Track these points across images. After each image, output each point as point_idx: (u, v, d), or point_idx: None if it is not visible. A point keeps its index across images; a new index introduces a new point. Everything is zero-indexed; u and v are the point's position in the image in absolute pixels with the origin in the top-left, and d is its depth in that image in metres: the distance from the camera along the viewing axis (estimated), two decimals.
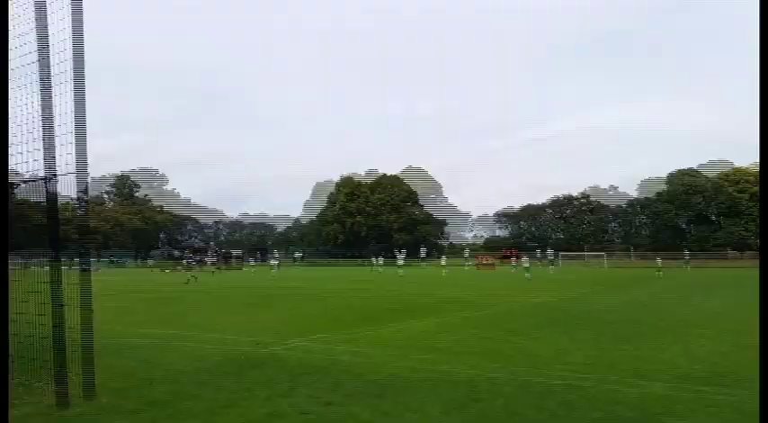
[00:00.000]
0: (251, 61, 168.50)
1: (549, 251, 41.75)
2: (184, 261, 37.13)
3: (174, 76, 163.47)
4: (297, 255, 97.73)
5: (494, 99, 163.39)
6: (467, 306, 15.53)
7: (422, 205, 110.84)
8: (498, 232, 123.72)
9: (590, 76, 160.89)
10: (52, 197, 5.53)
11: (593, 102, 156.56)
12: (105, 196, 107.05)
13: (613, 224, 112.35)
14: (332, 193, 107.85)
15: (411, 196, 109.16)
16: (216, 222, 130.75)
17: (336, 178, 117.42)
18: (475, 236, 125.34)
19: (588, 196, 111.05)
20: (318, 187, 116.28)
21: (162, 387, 6.20)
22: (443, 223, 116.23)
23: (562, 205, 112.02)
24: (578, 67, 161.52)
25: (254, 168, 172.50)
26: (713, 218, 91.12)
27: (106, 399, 5.55)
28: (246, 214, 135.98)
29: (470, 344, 9.00)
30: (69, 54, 5.48)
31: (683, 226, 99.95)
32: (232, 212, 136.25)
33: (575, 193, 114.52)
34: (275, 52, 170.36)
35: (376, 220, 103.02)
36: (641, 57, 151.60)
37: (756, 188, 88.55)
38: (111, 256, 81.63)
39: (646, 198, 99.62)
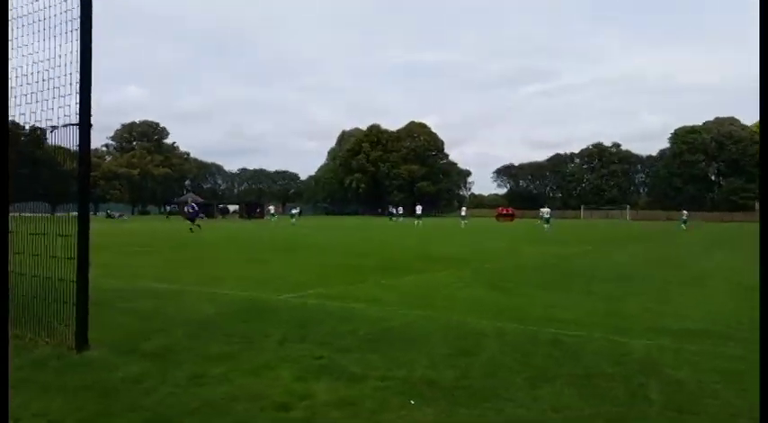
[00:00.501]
0: (253, 11, 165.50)
1: (545, 209, 41.64)
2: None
3: (177, 23, 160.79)
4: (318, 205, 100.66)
5: (502, 52, 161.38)
6: (473, 260, 15.78)
7: (447, 154, 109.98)
8: (497, 189, 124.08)
9: (598, 29, 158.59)
10: (85, 144, 5.50)
11: (601, 55, 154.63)
12: (104, 149, 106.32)
13: (641, 175, 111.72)
14: (356, 143, 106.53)
15: (437, 144, 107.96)
16: (240, 170, 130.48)
17: (339, 132, 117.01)
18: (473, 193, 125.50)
19: (619, 145, 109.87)
20: (346, 135, 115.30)
21: (180, 331, 6.48)
22: (467, 173, 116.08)
23: (591, 155, 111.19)
24: (586, 19, 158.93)
25: (256, 122, 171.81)
26: (748, 169, 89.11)
27: (123, 343, 5.87)
28: (245, 169, 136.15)
29: (480, 298, 9.22)
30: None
31: (713, 177, 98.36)
32: (231, 166, 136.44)
33: (576, 150, 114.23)
34: (279, 4, 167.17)
35: (400, 168, 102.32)
36: (655, 9, 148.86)
37: None
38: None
39: (674, 148, 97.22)
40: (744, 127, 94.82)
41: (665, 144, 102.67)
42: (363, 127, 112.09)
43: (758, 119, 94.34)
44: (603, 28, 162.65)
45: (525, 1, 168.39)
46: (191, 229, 31.11)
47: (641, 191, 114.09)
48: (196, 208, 36.51)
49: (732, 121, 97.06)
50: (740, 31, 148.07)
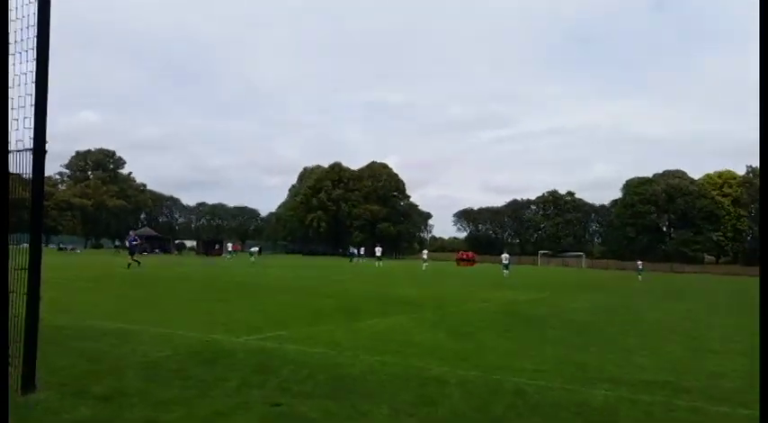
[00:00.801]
0: (219, 44, 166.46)
1: (505, 255, 42.20)
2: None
3: (138, 50, 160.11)
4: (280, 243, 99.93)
5: (462, 97, 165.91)
6: (434, 304, 15.77)
7: (408, 195, 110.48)
8: (457, 233, 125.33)
9: (554, 81, 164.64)
10: (39, 171, 5.32)
11: (557, 106, 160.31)
12: (57, 176, 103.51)
13: (595, 224, 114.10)
14: (317, 180, 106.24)
15: (399, 186, 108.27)
16: (198, 205, 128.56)
17: (301, 170, 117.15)
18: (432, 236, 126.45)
19: (573, 193, 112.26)
20: (307, 172, 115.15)
21: (132, 373, 6.25)
22: (428, 216, 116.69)
23: (547, 202, 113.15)
24: (543, 71, 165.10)
25: (216, 155, 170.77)
26: (696, 222, 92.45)
27: (72, 384, 5.64)
28: (203, 203, 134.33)
29: (441, 343, 9.18)
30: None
31: (664, 228, 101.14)
32: (189, 200, 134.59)
33: (533, 197, 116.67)
34: (244, 35, 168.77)
35: (361, 208, 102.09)
36: (606, 64, 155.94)
37: (738, 193, 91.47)
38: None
39: (626, 199, 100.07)
40: (692, 181, 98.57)
41: (618, 193, 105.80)
42: (325, 164, 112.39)
43: (707, 171, 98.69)
44: (559, 80, 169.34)
45: (487, 52, 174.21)
46: (129, 264, 29.22)
47: (596, 239, 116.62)
48: (137, 241, 34.71)
49: (680, 174, 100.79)
50: (686, 87, 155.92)
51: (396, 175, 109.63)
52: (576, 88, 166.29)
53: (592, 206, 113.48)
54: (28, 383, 5.25)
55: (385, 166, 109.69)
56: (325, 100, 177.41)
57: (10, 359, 5.28)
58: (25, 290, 5.23)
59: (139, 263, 30.04)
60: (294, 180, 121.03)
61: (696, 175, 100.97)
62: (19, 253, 5.27)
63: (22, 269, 5.24)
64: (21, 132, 5.28)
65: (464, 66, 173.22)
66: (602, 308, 17.74)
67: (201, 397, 5.45)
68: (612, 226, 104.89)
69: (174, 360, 7.09)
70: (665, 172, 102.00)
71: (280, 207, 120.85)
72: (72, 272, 24.73)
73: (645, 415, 5.46)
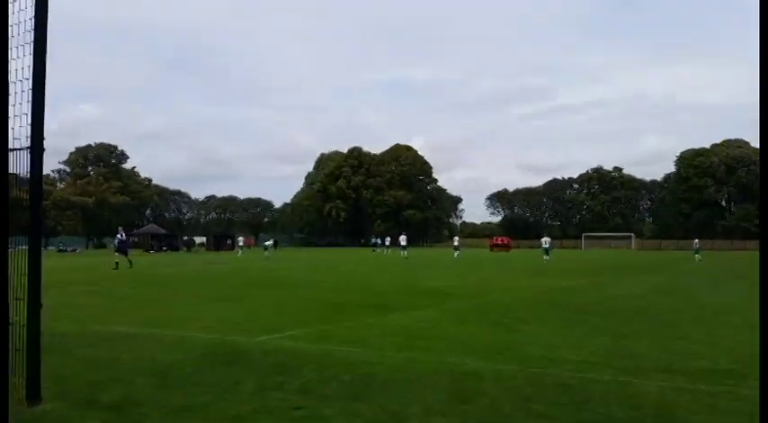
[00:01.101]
0: (225, 25, 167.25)
1: (546, 239, 41.97)
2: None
3: (138, 36, 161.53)
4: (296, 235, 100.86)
5: (493, 69, 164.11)
6: (467, 294, 15.82)
7: (435, 179, 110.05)
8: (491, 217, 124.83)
9: (594, 46, 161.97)
10: (37, 171, 5.40)
11: (598, 74, 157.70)
12: (56, 174, 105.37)
13: (645, 201, 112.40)
14: (336, 167, 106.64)
15: (425, 169, 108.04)
16: (207, 198, 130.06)
17: (316, 155, 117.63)
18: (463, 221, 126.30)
19: (621, 169, 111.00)
20: (324, 159, 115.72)
21: (143, 379, 6.39)
22: (458, 200, 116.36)
23: (591, 180, 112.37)
24: (582, 36, 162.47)
25: (226, 144, 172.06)
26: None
27: (79, 394, 5.76)
28: (213, 196, 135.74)
29: (475, 336, 9.19)
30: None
31: (723, 203, 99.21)
32: (198, 194, 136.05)
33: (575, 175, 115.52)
34: (251, 15, 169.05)
35: (384, 195, 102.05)
36: (652, 25, 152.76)
37: None
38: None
39: (681, 172, 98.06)
40: (755, 150, 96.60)
41: (670, 168, 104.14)
42: (343, 150, 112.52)
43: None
44: (599, 45, 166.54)
45: (517, 16, 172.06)
46: (128, 262, 28.85)
47: (647, 218, 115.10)
48: (124, 237, 33.14)
49: (741, 143, 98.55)
50: (744, 47, 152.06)
51: (421, 157, 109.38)
52: (619, 55, 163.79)
53: (642, 182, 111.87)
54: (34, 394, 5.37)
55: (409, 149, 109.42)
56: (343, 81, 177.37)
57: (13, 369, 5.42)
58: (24, 295, 5.33)
59: (117, 265, 28.82)
60: (310, 168, 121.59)
61: (759, 143, 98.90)
62: (17, 256, 5.37)
63: (21, 274, 5.35)
64: (17, 130, 5.38)
65: (494, 36, 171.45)
66: (654, 292, 17.57)
67: (217, 402, 5.53)
68: (665, 202, 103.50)
69: (186, 364, 7.21)
70: (724, 141, 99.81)
71: (295, 197, 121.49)
72: (73, 274, 25.20)
73: (707, 406, 5.40)
